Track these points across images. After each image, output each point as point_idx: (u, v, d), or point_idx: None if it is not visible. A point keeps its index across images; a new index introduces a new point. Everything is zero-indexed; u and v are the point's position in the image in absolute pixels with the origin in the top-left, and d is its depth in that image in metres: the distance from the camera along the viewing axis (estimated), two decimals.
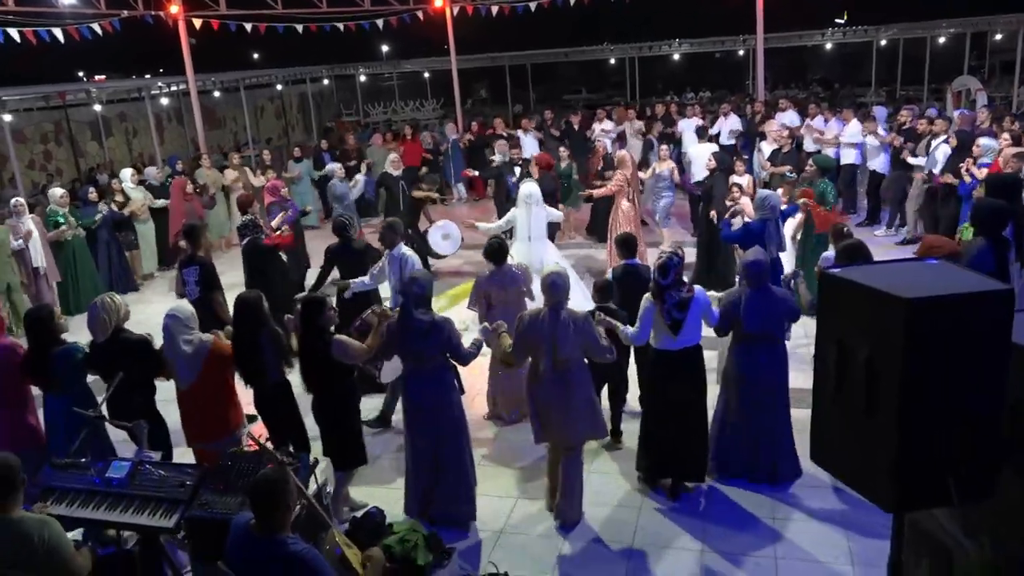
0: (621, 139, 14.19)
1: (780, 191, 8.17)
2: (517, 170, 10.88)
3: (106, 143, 19.59)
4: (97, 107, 18.97)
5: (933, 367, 1.95)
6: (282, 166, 14.36)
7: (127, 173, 11.50)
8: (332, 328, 4.92)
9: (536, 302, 6.62)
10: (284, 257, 8.49)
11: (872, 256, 5.19)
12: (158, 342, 5.07)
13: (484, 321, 5.94)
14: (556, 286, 4.73)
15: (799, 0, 16.38)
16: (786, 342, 5.40)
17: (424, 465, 4.97)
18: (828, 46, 28.51)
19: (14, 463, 3.36)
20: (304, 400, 5.09)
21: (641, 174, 10.52)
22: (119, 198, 10.72)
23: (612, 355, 4.87)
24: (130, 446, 4.67)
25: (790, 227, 8.25)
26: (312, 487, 4.09)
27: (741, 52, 27.76)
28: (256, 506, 3.16)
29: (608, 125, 14.68)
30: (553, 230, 9.57)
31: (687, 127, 13.78)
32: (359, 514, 4.88)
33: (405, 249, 6.60)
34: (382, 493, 5.41)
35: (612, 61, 29.62)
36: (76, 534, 4.18)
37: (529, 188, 8.27)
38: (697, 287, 5.05)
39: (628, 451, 5.70)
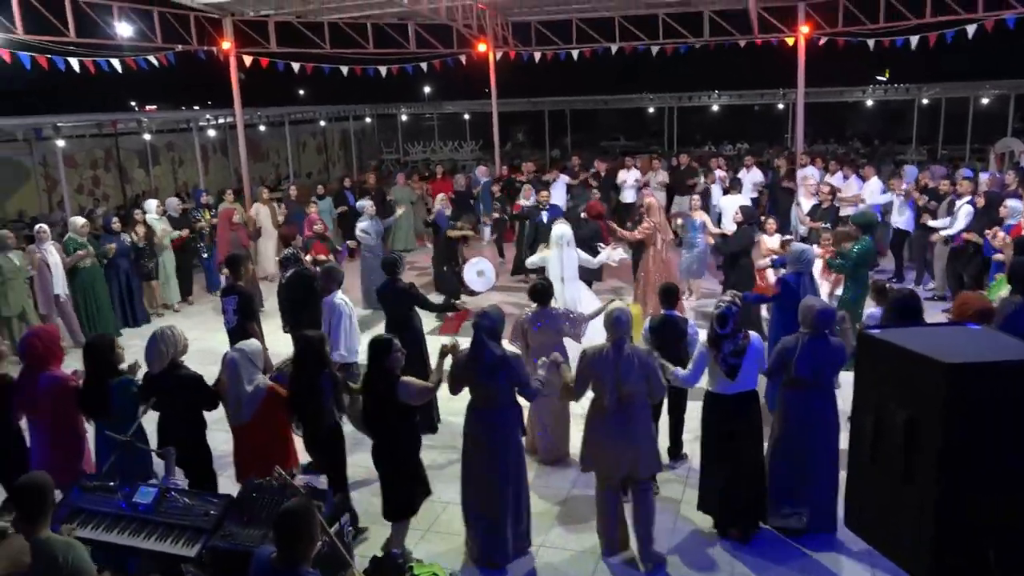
0: (645, 187, 14.32)
1: (817, 247, 8.08)
2: (544, 214, 10.95)
3: (152, 171, 20.12)
4: (146, 136, 19.52)
5: (974, 433, 1.90)
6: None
7: (152, 204, 11.59)
8: (398, 370, 4.86)
9: (584, 342, 6.74)
10: None
11: (923, 312, 5.16)
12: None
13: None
14: (620, 321, 4.78)
15: (841, 56, 16.40)
16: (836, 390, 5.36)
17: (487, 503, 4.90)
18: (869, 103, 28.49)
19: (46, 483, 3.40)
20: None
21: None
22: (140, 228, 10.70)
23: (664, 393, 4.94)
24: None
25: (825, 285, 8.18)
26: (335, 525, 4.07)
27: (781, 105, 27.83)
28: (280, 536, 3.15)
29: (634, 174, 14.84)
30: (593, 274, 9.58)
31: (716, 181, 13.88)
32: (380, 554, 4.84)
33: (339, 298, 6.57)
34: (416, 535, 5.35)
35: (651, 110, 29.85)
36: None
37: (561, 229, 8.31)
38: (753, 333, 5.10)
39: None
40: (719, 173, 13.90)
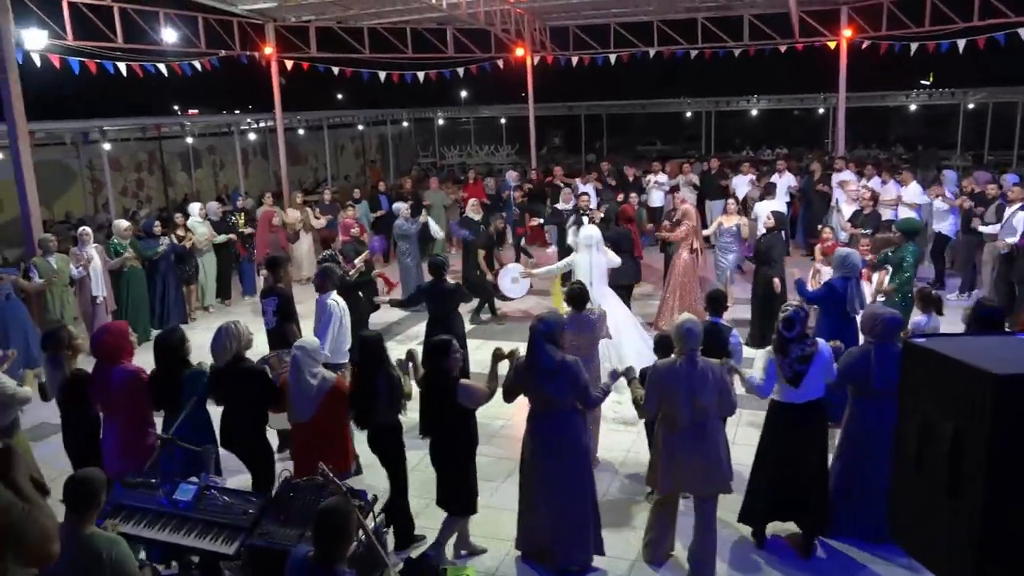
0: (674, 191, 14.27)
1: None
2: (585, 219, 10.92)
3: (194, 174, 20.50)
4: (189, 139, 19.90)
5: (1021, 445, 1.86)
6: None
7: (195, 207, 11.56)
8: (456, 371, 4.86)
9: (613, 340, 6.80)
10: (360, 293, 8.69)
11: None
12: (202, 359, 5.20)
13: None
14: (692, 333, 4.62)
15: (883, 60, 16.14)
16: None
17: (544, 508, 4.83)
18: (912, 107, 27.96)
19: (99, 481, 3.45)
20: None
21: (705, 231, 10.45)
22: (180, 231, 10.73)
23: (735, 411, 4.80)
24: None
25: (867, 290, 8.05)
26: (371, 524, 4.10)
27: (821, 110, 27.46)
28: (319, 533, 3.19)
29: (662, 177, 14.79)
30: (633, 277, 9.57)
31: (739, 184, 13.78)
32: (414, 555, 4.87)
33: (332, 299, 6.63)
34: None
35: (688, 114, 29.64)
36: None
37: (590, 231, 8.29)
38: (820, 340, 4.99)
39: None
40: (749, 178, 13.79)
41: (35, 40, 10.69)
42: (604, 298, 8.03)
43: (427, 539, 5.13)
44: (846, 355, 5.11)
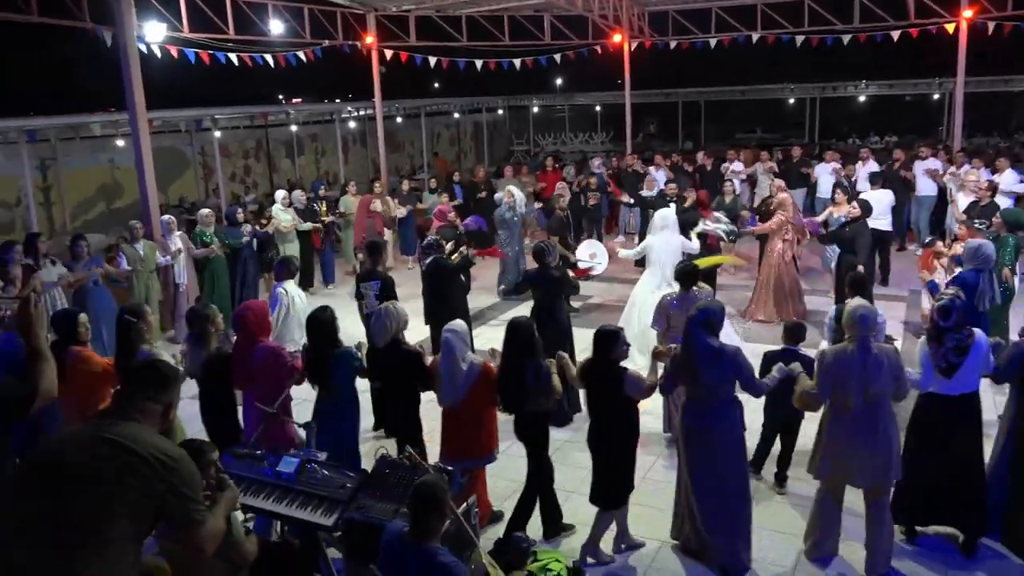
0: (751, 180, 13.87)
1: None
2: (672, 205, 10.76)
3: (298, 161, 21.21)
4: (293, 127, 20.60)
5: None
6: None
7: (280, 195, 11.64)
8: (623, 360, 4.85)
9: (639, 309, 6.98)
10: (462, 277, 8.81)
11: None
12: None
13: (662, 341, 6.00)
14: (866, 319, 4.53)
15: (1007, 41, 15.10)
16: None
17: (703, 501, 4.78)
18: None
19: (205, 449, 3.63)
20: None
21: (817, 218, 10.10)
22: (264, 219, 10.77)
23: (907, 394, 4.70)
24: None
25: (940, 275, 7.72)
26: (462, 506, 4.17)
27: (936, 96, 26.01)
28: (415, 508, 3.28)
29: (738, 166, 14.53)
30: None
31: (822, 172, 13.37)
32: (503, 536, 4.92)
33: (282, 288, 6.80)
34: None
35: (791, 101, 28.62)
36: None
37: (664, 213, 8.36)
38: (978, 331, 4.81)
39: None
40: (832, 166, 13.28)
41: (155, 33, 11.27)
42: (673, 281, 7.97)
43: (575, 528, 5.18)
44: (1012, 349, 4.90)
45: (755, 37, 16.48)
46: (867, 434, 4.52)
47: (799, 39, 16.28)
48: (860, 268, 8.19)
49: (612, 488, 4.87)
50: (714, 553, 4.78)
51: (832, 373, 4.56)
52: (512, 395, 4.93)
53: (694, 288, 6.33)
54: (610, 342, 4.75)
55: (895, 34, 15.21)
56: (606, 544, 5.01)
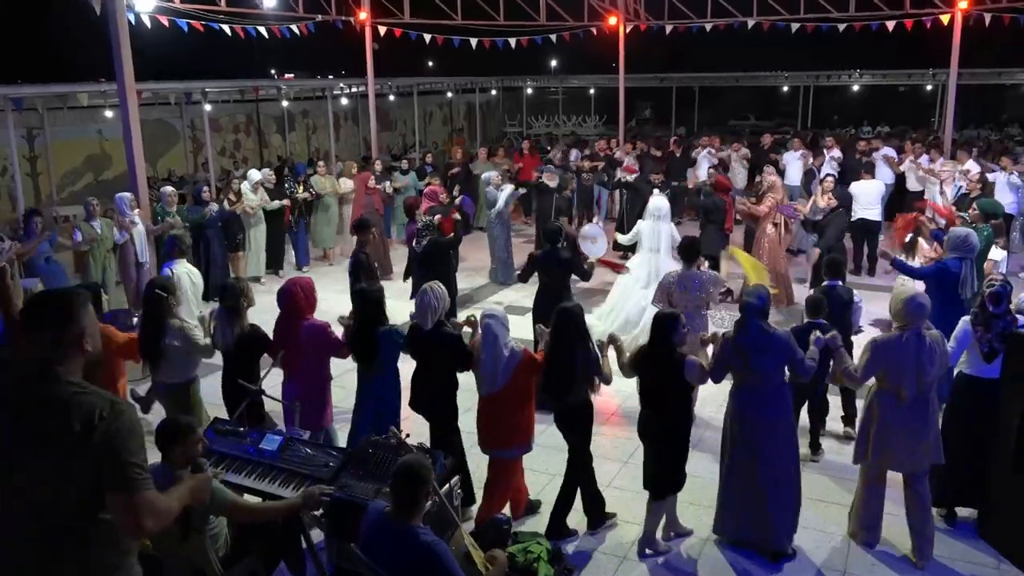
0: (723, 165, 13.98)
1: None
2: (656, 190, 10.77)
3: (288, 137, 21.06)
4: (284, 103, 20.44)
5: None
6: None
7: (253, 174, 11.23)
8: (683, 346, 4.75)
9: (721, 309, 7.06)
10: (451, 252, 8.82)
11: None
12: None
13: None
14: (922, 308, 4.55)
15: (1002, 34, 15.12)
16: None
17: (744, 487, 4.76)
18: None
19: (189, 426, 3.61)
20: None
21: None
22: (232, 196, 10.46)
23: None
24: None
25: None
26: (445, 487, 4.17)
27: (929, 87, 26.04)
28: (396, 487, 3.28)
29: (704, 152, 14.69)
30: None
31: (789, 160, 13.54)
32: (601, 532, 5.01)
33: (169, 269, 6.76)
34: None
35: (785, 89, 28.59)
36: None
37: (657, 202, 8.49)
38: (1022, 318, 4.86)
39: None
40: (799, 153, 13.49)
41: (145, 2, 11.11)
42: (668, 267, 8.04)
43: (616, 517, 5.16)
44: None
45: (751, 23, 16.42)
46: (919, 421, 4.58)
47: (794, 26, 16.22)
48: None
49: (670, 477, 4.79)
50: (766, 539, 4.76)
51: (884, 359, 4.58)
52: (558, 383, 4.81)
53: (697, 267, 6.40)
54: (670, 328, 4.64)
55: (890, 24, 15.17)
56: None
